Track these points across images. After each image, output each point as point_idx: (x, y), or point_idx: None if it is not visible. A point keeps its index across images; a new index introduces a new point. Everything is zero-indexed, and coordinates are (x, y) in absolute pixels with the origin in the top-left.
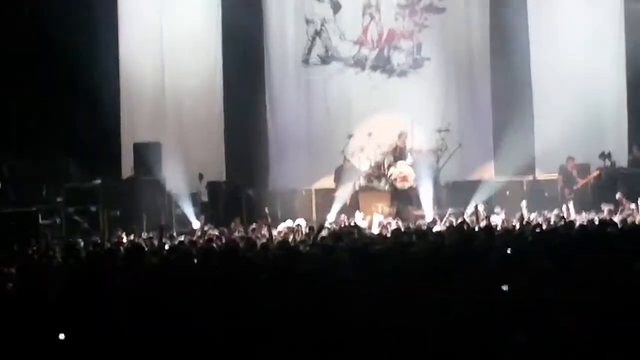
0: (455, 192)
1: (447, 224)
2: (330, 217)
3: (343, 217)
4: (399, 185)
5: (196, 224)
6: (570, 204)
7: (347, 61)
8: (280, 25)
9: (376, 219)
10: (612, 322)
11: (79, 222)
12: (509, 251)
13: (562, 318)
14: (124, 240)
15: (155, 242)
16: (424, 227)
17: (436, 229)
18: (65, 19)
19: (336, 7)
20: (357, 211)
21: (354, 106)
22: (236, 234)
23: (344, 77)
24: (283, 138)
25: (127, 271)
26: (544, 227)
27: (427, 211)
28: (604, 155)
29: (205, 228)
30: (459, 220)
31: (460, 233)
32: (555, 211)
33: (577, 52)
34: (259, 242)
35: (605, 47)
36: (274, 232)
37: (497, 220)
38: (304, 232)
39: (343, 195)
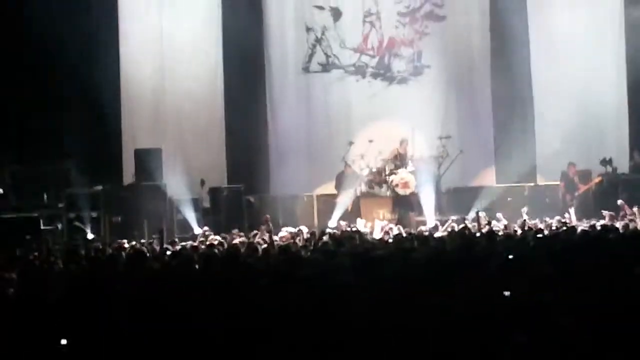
0: (457, 198)
1: (449, 230)
2: (332, 223)
3: (344, 223)
4: (400, 191)
5: (197, 230)
6: (572, 210)
7: (348, 69)
8: (281, 33)
9: (377, 225)
10: (613, 326)
11: (80, 228)
12: (510, 257)
13: (563, 322)
14: (126, 245)
15: (157, 247)
16: (426, 233)
17: (437, 234)
18: (66, 24)
19: (337, 15)
20: (359, 217)
21: (355, 113)
22: (237, 240)
23: (344, 85)
24: (284, 144)
25: (129, 276)
26: (546, 232)
27: (429, 217)
28: (605, 162)
29: (207, 234)
30: (461, 226)
31: (461, 239)
32: (557, 217)
33: (577, 58)
34: (260, 248)
35: (605, 53)
36: (275, 238)
37: (498, 226)
38: (305, 238)
39: (344, 201)
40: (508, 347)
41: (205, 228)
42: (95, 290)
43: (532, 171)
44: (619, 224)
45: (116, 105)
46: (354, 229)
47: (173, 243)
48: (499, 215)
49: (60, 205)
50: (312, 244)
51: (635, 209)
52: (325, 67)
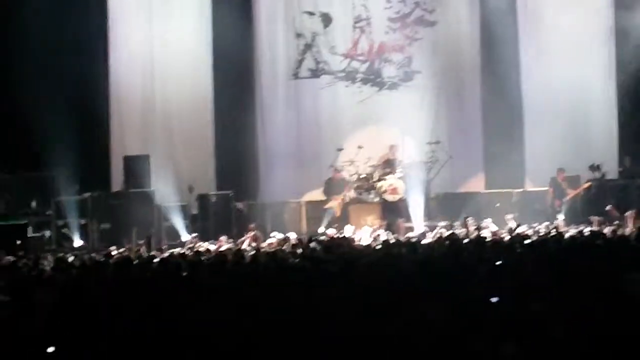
0: (446, 204)
1: (437, 236)
2: (320, 229)
3: (333, 229)
4: (389, 197)
5: (185, 237)
6: (560, 216)
7: (338, 74)
8: (271, 39)
9: (366, 231)
10: (602, 333)
11: (68, 235)
12: (498, 263)
13: (552, 329)
14: (114, 252)
15: (144, 254)
16: (414, 239)
17: (426, 241)
18: (55, 31)
19: (327, 21)
20: (347, 223)
21: (344, 119)
22: (225, 246)
23: (334, 90)
24: (273, 150)
25: (116, 283)
26: (534, 238)
27: (417, 223)
28: (594, 167)
29: (194, 241)
30: (449, 232)
31: (449, 245)
32: (546, 223)
33: (567, 65)
34: (247, 255)
35: (595, 59)
36: (264, 245)
37: (486, 232)
38: (293, 244)
39: (333, 208)
40: (496, 356)
41: (194, 235)
42: (83, 297)
43: (521, 177)
44: (607, 230)
45: (105, 112)
46: (342, 236)
47: (161, 250)
48: (488, 221)
49: (49, 212)
50: (300, 250)
51: (625, 215)
52: (315, 73)
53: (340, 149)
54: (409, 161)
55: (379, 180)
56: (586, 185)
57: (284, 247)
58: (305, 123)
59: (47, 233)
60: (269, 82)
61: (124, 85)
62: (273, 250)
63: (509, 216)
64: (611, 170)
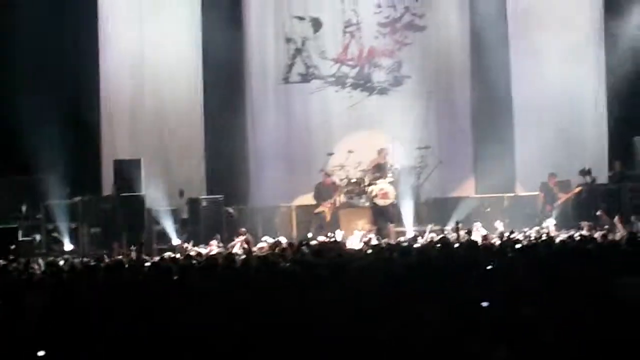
0: (436, 209)
1: (428, 241)
2: (311, 234)
3: (323, 233)
4: (379, 202)
5: (176, 241)
6: (551, 221)
7: (328, 79)
8: (261, 43)
9: (357, 235)
10: (593, 337)
11: (59, 239)
12: (489, 267)
13: (543, 334)
14: (105, 257)
15: (135, 258)
16: (405, 244)
17: (417, 245)
18: (45, 36)
19: (317, 26)
20: (338, 228)
21: (334, 124)
22: (215, 250)
23: (324, 95)
24: (263, 155)
25: (108, 287)
26: (525, 243)
27: (408, 228)
28: (584, 172)
29: (185, 245)
30: (440, 237)
31: (440, 249)
32: (536, 228)
33: (557, 69)
34: (238, 259)
35: (585, 64)
36: (254, 249)
37: (477, 236)
38: (283, 248)
39: (323, 212)
40: None
41: (187, 239)
42: (74, 301)
43: (512, 182)
44: (597, 235)
45: (95, 116)
46: (332, 240)
47: (151, 254)
48: (478, 225)
49: (39, 216)
50: (291, 254)
51: (614, 220)
52: (305, 78)
53: (330, 154)
54: (399, 166)
55: (370, 184)
56: (577, 190)
57: (275, 251)
58: (296, 128)
59: (38, 237)
60: (259, 86)
61: (115, 89)
62: (264, 254)
63: (498, 222)
64: (601, 174)
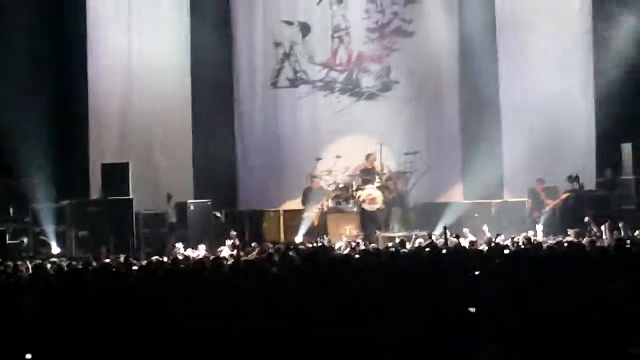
0: (424, 214)
1: (416, 246)
2: (298, 238)
3: (311, 238)
4: (367, 207)
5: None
6: (539, 227)
7: (316, 84)
8: (249, 48)
9: (344, 240)
10: (580, 342)
11: (46, 242)
12: (476, 273)
13: (530, 337)
14: (92, 260)
15: (122, 262)
16: (392, 249)
17: (404, 250)
18: (34, 40)
19: (305, 30)
20: (325, 233)
21: (323, 128)
22: (203, 254)
23: (312, 100)
24: (251, 159)
25: (96, 290)
26: (512, 249)
27: (396, 233)
28: (572, 178)
29: (173, 249)
30: (427, 242)
31: (428, 255)
32: (524, 234)
33: (545, 76)
34: (226, 263)
35: (574, 70)
36: (242, 253)
37: (464, 242)
38: (271, 253)
39: (311, 217)
40: None
41: (175, 243)
42: (62, 304)
43: (499, 187)
44: (585, 241)
45: (84, 119)
46: (320, 244)
47: (139, 258)
48: (466, 231)
49: (27, 219)
50: (278, 259)
51: (602, 227)
52: (294, 82)
53: (318, 159)
54: (387, 171)
55: (358, 189)
56: (564, 196)
57: (262, 256)
58: (284, 132)
59: (25, 240)
60: (248, 91)
61: (103, 93)
62: (252, 258)
63: (485, 227)
64: (589, 180)
